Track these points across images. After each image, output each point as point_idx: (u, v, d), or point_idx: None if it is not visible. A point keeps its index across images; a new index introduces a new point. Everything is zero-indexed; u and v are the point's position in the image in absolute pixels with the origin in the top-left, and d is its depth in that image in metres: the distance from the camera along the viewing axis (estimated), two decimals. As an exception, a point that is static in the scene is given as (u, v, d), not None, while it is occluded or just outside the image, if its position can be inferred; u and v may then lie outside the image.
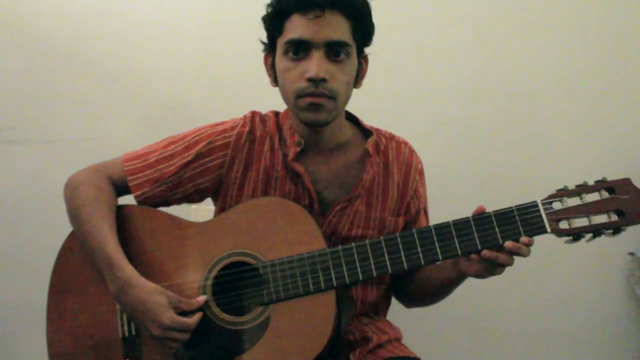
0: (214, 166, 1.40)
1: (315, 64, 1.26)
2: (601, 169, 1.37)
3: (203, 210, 1.64)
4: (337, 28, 1.28)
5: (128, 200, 1.41)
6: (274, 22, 1.32)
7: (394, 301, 1.56)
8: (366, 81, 1.41)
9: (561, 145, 2.15)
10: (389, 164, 1.45)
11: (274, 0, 1.32)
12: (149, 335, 1.27)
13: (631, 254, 2.12)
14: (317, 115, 1.30)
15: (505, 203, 1.24)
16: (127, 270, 1.27)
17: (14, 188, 2.12)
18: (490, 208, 1.24)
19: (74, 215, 1.36)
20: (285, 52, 1.30)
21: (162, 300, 1.25)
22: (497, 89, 2.15)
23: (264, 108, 1.48)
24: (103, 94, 2.13)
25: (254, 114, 1.45)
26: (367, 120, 1.48)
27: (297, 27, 1.27)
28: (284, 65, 1.31)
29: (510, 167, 2.15)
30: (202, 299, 1.29)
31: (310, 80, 1.26)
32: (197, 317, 1.26)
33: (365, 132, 1.46)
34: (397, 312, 1.58)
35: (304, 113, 1.30)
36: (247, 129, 1.41)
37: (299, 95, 1.29)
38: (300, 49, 1.28)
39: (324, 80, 1.27)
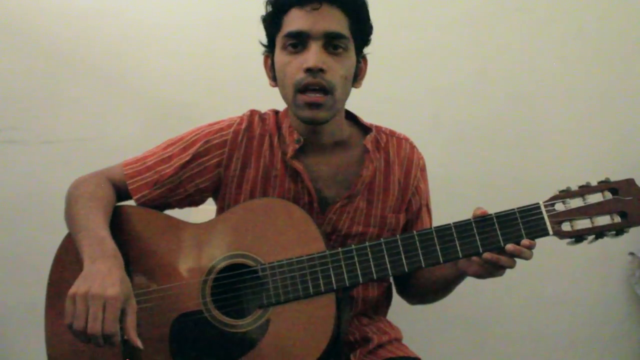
0: (212, 165, 1.40)
1: (313, 54, 1.27)
2: (604, 169, 1.36)
3: (203, 211, 1.63)
4: (335, 20, 1.29)
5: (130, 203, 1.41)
6: (273, 19, 1.33)
7: (394, 301, 1.56)
8: (366, 81, 1.41)
9: (563, 145, 2.14)
10: (389, 160, 1.44)
11: None
12: (76, 291, 1.14)
13: (631, 254, 2.12)
14: (316, 112, 1.30)
15: (506, 203, 1.24)
16: (116, 253, 1.22)
17: (14, 188, 2.11)
18: (491, 208, 1.23)
19: (70, 205, 1.35)
20: (284, 46, 1.31)
21: (125, 289, 1.16)
22: (497, 89, 2.14)
23: (264, 108, 1.48)
24: (103, 94, 2.12)
25: (252, 112, 1.45)
26: (367, 120, 1.48)
27: (295, 20, 1.29)
28: (282, 60, 1.31)
29: (511, 167, 2.14)
30: (140, 345, 1.16)
31: (308, 70, 1.27)
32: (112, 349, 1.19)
33: (365, 129, 1.46)
34: (397, 312, 1.57)
35: (302, 111, 1.30)
36: (244, 126, 1.41)
37: (298, 90, 1.29)
38: (298, 41, 1.29)
39: (321, 70, 1.27)
